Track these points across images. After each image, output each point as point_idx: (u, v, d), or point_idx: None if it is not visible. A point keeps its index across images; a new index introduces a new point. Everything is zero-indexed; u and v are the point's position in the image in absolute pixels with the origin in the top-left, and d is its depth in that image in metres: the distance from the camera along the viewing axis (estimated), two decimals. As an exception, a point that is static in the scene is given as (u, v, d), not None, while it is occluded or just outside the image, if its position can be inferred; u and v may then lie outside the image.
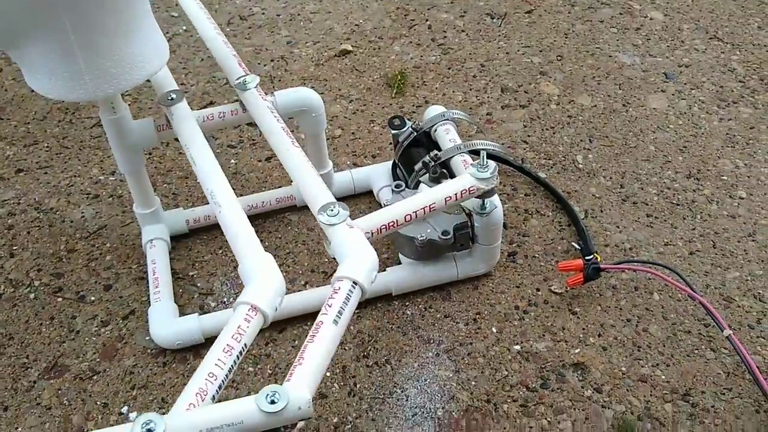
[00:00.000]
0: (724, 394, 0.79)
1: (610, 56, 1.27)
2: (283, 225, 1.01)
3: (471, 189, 0.79)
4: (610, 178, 1.05)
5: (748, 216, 0.98)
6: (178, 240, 0.99)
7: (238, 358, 0.58)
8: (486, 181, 0.79)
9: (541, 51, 1.29)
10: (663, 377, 0.80)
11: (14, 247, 1.01)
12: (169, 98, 0.87)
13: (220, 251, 0.98)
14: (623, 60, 1.26)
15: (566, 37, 1.32)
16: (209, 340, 0.86)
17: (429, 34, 1.35)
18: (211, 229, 1.00)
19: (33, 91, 1.29)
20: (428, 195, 0.78)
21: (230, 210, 0.72)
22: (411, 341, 0.86)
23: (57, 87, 0.76)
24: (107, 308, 0.92)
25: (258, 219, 1.01)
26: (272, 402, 0.54)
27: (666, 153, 1.08)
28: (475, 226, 0.87)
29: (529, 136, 1.12)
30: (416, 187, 0.92)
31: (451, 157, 0.92)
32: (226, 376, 0.57)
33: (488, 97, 1.20)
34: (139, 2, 0.77)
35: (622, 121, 1.14)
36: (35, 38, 0.72)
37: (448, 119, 0.97)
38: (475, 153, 0.99)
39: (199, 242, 0.99)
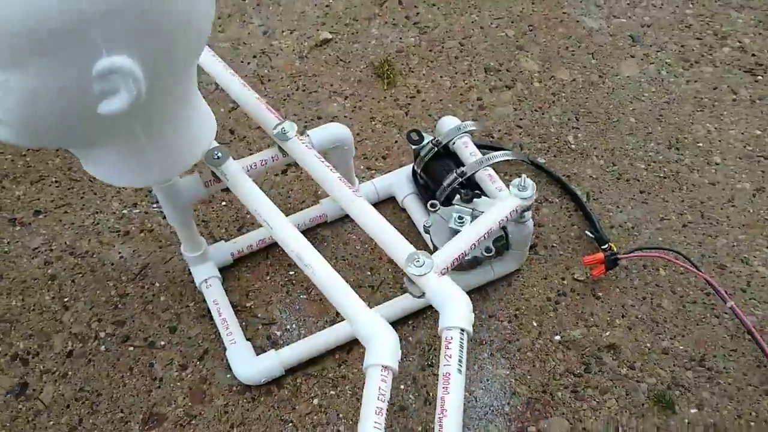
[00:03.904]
0: (731, 355, 0.95)
1: (578, 21, 1.35)
2: (318, 241, 1.09)
3: (517, 208, 0.89)
4: (602, 156, 1.16)
5: (726, 182, 1.12)
6: (223, 270, 1.05)
7: (387, 415, 0.69)
8: (527, 200, 0.89)
9: (512, 22, 1.36)
10: (681, 347, 0.96)
11: (65, 299, 1.05)
12: (215, 157, 0.90)
13: (268, 278, 1.05)
14: (590, 24, 1.35)
15: (533, 3, 1.39)
16: (288, 371, 0.95)
17: (402, 11, 1.39)
18: (253, 256, 1.07)
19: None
20: (485, 222, 0.86)
21: (324, 271, 0.79)
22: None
23: (123, 177, 0.80)
24: (180, 351, 0.99)
25: (295, 240, 1.08)
26: None
27: (646, 124, 1.20)
28: (509, 236, 0.97)
29: (521, 119, 1.21)
30: (448, 202, 1.00)
31: (476, 171, 1.01)
32: None
33: (474, 79, 1.27)
34: (193, 86, 0.80)
35: (601, 94, 1.25)
36: (104, 142, 0.75)
37: (464, 132, 1.05)
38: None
39: (245, 270, 1.06)
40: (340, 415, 0.92)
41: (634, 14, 1.36)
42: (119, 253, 1.09)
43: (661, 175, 1.14)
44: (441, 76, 1.28)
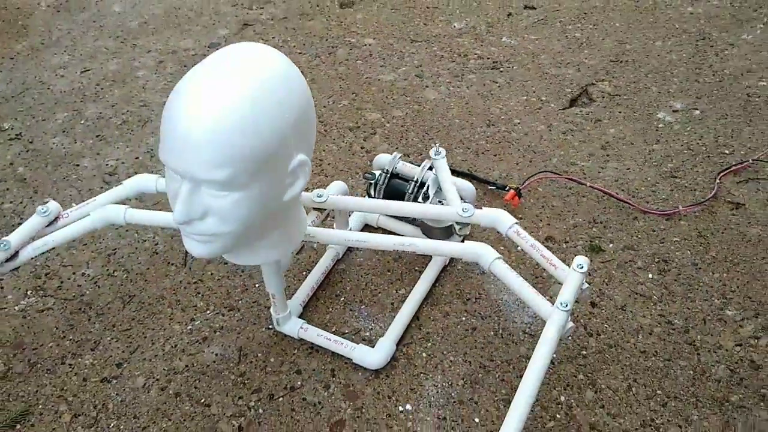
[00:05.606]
0: (606, 207, 1.57)
1: (379, 79, 1.91)
2: (340, 273, 1.47)
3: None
4: (458, 146, 1.73)
5: (531, 131, 1.77)
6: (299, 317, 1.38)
7: None
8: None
9: (341, 95, 1.87)
10: (580, 219, 1.56)
11: (201, 400, 1.28)
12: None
13: (330, 309, 1.40)
14: (387, 78, 1.91)
15: (343, 80, 1.91)
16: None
17: (263, 117, 1.80)
18: (311, 302, 1.41)
19: (7, 314, 1.41)
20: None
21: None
22: (479, 285, 1.45)
23: (257, 258, 1.14)
24: (315, 380, 1.30)
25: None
26: None
27: (467, 120, 1.80)
28: (466, 202, 1.48)
29: (397, 147, 1.73)
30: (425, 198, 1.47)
31: (424, 176, 1.50)
32: None
33: (348, 138, 1.75)
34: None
35: (428, 114, 1.82)
36: (261, 234, 1.09)
37: (398, 158, 1.53)
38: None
39: (311, 312, 1.40)
40: (444, 352, 1.33)
41: (405, 63, 1.96)
42: (212, 353, 1.35)
43: (496, 142, 1.74)
44: (327, 144, 1.73)
